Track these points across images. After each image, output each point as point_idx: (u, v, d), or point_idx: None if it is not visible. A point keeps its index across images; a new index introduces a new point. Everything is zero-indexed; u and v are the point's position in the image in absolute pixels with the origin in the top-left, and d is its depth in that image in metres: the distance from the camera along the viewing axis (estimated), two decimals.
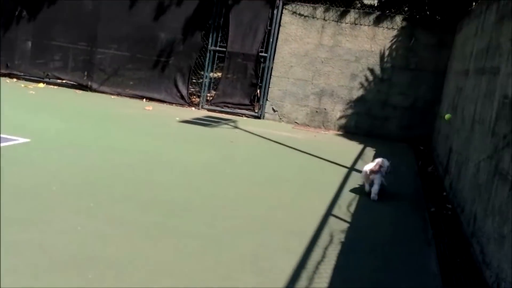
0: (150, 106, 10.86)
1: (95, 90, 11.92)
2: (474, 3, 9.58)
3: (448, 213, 5.27)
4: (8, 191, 4.19)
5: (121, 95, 11.84)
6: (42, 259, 3.06)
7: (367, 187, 5.61)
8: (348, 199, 5.41)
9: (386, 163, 5.67)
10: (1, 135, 6.05)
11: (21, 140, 6.08)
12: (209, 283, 3.11)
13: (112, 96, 11.73)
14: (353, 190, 5.79)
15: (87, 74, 12.10)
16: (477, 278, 3.63)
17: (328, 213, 4.83)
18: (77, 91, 11.82)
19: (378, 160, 5.68)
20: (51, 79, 12.26)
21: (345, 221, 4.65)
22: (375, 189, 5.43)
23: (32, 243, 3.28)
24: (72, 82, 12.18)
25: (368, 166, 5.63)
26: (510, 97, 3.90)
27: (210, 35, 11.43)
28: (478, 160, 4.69)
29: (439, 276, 3.61)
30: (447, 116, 7.41)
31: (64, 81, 12.32)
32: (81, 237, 3.50)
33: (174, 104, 11.59)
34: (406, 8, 11.13)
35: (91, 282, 2.90)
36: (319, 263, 3.61)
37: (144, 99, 11.71)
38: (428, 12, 11.36)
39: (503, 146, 3.83)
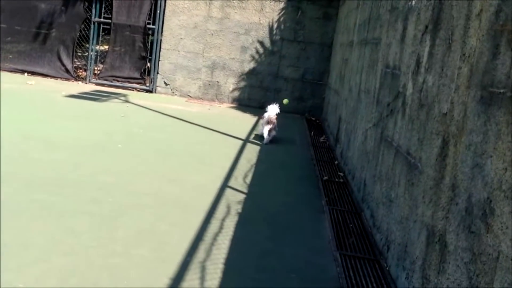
0: (32, 81, 10.23)
1: None
2: None
3: (340, 181, 5.49)
4: None
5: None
6: None
7: (264, 131, 7.05)
8: (244, 170, 5.46)
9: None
10: None
11: None
12: (105, 260, 3.02)
13: None
14: (249, 161, 5.86)
15: None
16: (369, 241, 3.83)
17: (224, 185, 4.85)
18: None
19: (273, 116, 7.14)
20: None
21: (241, 192, 4.70)
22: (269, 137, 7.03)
23: None
24: None
25: (270, 113, 7.13)
26: (391, 67, 4.09)
27: (93, 6, 10.93)
28: (365, 128, 4.90)
29: (333, 240, 3.76)
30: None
31: None
32: None
33: (59, 79, 11.02)
34: None
35: None
36: (216, 234, 3.63)
37: (26, 73, 11.00)
38: None
39: (387, 114, 4.02)
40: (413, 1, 3.67)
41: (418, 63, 3.27)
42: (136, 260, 3.07)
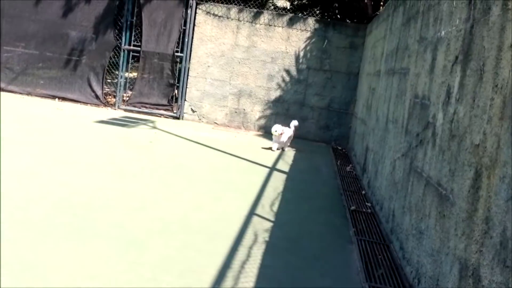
0: (62, 106, 10.44)
1: (3, 90, 11.29)
2: (381, 8, 9.99)
3: (368, 211, 5.45)
4: None
5: (31, 95, 11.30)
6: None
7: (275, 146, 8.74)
8: (271, 198, 5.45)
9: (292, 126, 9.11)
10: None
11: None
12: (133, 284, 3.03)
13: (22, 96, 11.17)
14: (275, 189, 5.85)
15: None
16: (399, 273, 3.77)
17: (251, 212, 4.85)
18: None
19: (281, 128, 8.67)
20: None
21: (268, 220, 4.68)
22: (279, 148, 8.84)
23: None
24: None
25: (275, 128, 8.61)
26: (420, 97, 4.08)
27: (123, 34, 11.18)
28: (393, 158, 4.87)
29: (362, 272, 3.71)
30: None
31: None
32: None
33: (88, 104, 11.22)
34: (318, 11, 11.41)
35: (4, 284, 2.75)
36: (244, 262, 3.62)
37: (57, 99, 11.25)
38: (338, 16, 11.73)
39: (416, 144, 4.00)
40: (443, 32, 3.67)
41: (448, 94, 3.25)
42: (164, 286, 3.07)
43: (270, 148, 8.84)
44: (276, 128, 8.59)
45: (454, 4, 3.42)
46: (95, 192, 4.83)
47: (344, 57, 10.64)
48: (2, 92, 11.19)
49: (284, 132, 8.64)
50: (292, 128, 9.04)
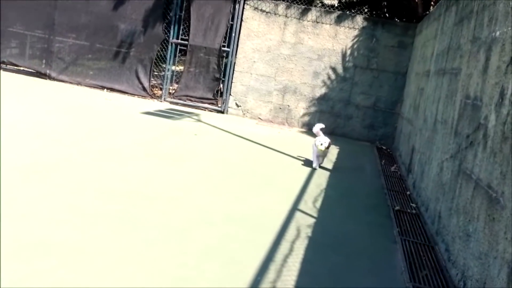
0: (110, 97, 10.67)
1: (54, 79, 11.64)
2: (432, 7, 9.82)
3: (412, 212, 5.37)
4: None
5: (81, 85, 11.60)
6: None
7: (319, 161, 6.98)
8: (313, 195, 5.44)
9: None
10: None
11: None
12: (177, 271, 3.09)
13: (72, 85, 11.47)
14: (318, 186, 5.84)
15: (46, 62, 11.79)
16: (443, 275, 3.71)
17: (294, 207, 4.85)
18: (36, 79, 11.51)
19: (325, 138, 6.85)
20: (7, 66, 11.91)
21: (311, 216, 4.68)
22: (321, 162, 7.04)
23: None
24: (30, 70, 11.86)
25: (321, 141, 6.78)
26: (472, 98, 4.00)
27: (172, 28, 11.33)
28: (441, 159, 4.79)
29: (406, 272, 3.67)
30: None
31: (22, 68, 11.99)
32: (41, 224, 3.41)
33: (136, 96, 11.44)
34: (367, 9, 11.29)
35: (55, 268, 2.84)
36: (286, 256, 3.63)
37: (105, 90, 11.51)
38: (387, 15, 11.57)
39: (466, 146, 3.92)
40: (498, 32, 3.59)
41: (502, 95, 3.18)
42: (207, 275, 3.12)
43: (304, 161, 7.36)
44: (322, 140, 6.82)
45: (511, 4, 3.34)
46: (141, 181, 4.92)
47: (392, 56, 10.49)
48: (54, 81, 11.52)
49: (329, 142, 6.92)
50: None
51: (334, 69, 10.73)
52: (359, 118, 10.68)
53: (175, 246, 3.48)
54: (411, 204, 5.68)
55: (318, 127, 7.23)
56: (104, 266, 3.00)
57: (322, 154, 6.94)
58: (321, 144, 6.75)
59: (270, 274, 3.25)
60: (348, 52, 10.68)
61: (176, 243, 3.55)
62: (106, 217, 3.81)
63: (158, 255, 3.29)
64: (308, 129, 10.74)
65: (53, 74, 11.69)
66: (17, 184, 4.19)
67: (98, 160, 5.46)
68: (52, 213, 3.70)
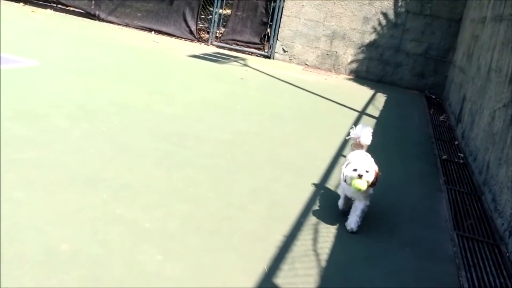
0: (158, 39, 10.70)
1: (102, 20, 11.72)
2: None
3: (460, 162, 5.26)
4: (20, 108, 4.17)
5: (129, 26, 11.65)
6: (54, 176, 3.08)
7: (344, 203, 3.42)
8: None
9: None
10: (11, 57, 6.05)
11: (31, 62, 6.02)
12: (223, 210, 3.15)
13: (120, 27, 11.54)
14: None
15: (95, 3, 11.85)
16: (489, 225, 3.65)
17: (339, 153, 4.82)
18: (85, 19, 11.62)
19: (366, 164, 3.21)
20: (58, 5, 12.05)
21: None
22: (358, 218, 3.17)
23: (45, 161, 3.29)
24: (79, 10, 11.95)
25: (357, 170, 3.13)
26: None
27: None
28: (493, 108, 4.64)
29: (450, 220, 3.63)
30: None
31: (71, 9, 12.10)
32: (93, 160, 3.51)
33: (183, 39, 11.43)
34: None
35: (105, 201, 2.93)
36: (329, 201, 3.63)
37: (153, 32, 11.54)
38: None
39: None
40: None
41: None
42: (251, 215, 3.16)
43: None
44: (360, 167, 3.14)
45: None
46: (187, 122, 4.97)
47: (447, 1, 10.06)
48: (102, 23, 11.60)
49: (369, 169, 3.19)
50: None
51: (385, 15, 10.40)
52: (409, 66, 10.39)
53: (221, 187, 3.53)
54: (458, 154, 5.56)
55: (362, 132, 3.60)
56: (154, 203, 3.07)
57: (357, 196, 3.26)
58: (359, 177, 3.12)
59: (312, 217, 3.27)
60: None
61: (222, 183, 3.60)
62: (153, 155, 3.88)
63: (203, 195, 3.34)
64: (355, 76, 10.55)
65: (102, 15, 11.76)
66: (74, 123, 4.30)
67: (145, 101, 5.53)
68: (104, 150, 3.79)
